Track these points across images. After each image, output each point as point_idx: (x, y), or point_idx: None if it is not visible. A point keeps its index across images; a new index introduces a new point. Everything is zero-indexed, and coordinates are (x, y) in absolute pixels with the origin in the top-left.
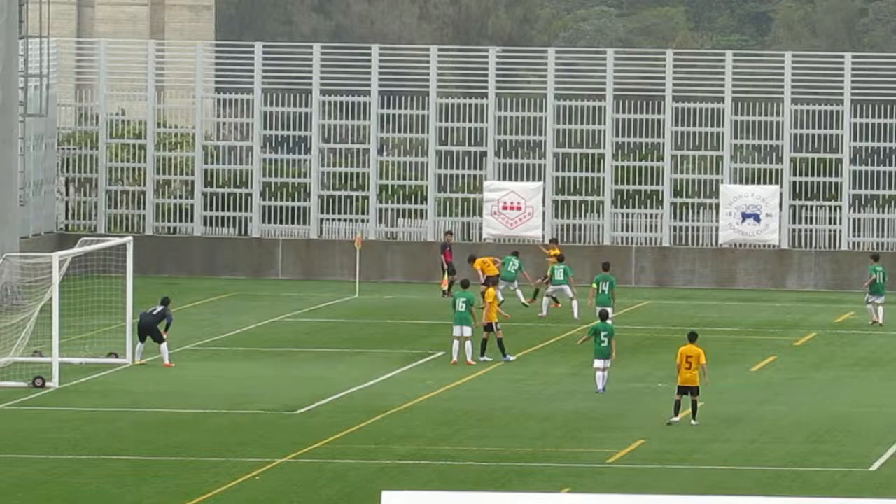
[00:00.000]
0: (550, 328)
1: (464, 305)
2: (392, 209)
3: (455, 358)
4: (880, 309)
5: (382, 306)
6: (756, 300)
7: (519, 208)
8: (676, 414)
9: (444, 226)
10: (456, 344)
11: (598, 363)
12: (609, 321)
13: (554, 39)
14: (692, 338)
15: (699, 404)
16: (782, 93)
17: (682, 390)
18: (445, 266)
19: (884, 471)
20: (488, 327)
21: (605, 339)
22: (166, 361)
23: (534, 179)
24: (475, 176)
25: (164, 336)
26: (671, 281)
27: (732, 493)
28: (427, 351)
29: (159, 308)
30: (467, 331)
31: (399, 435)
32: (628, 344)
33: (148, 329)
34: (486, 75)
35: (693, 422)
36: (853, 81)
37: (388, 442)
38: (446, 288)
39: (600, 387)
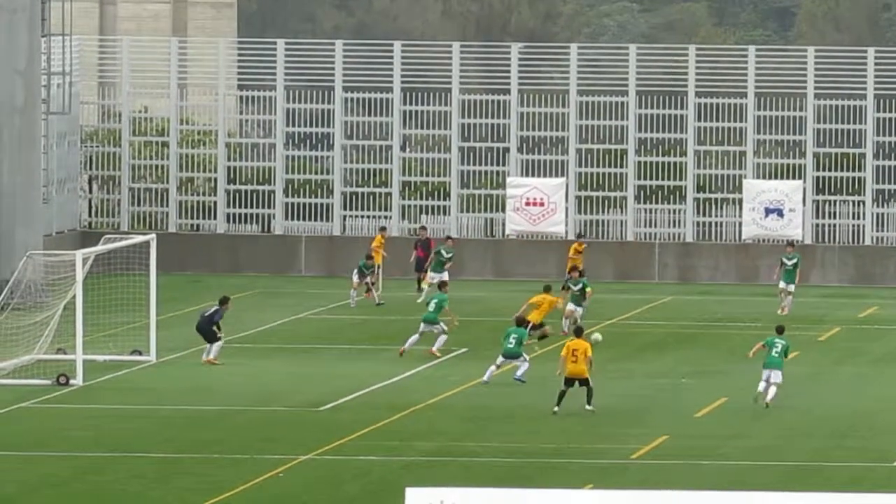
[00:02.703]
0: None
1: (514, 341)
2: (415, 206)
3: (486, 378)
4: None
5: (406, 303)
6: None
7: (542, 204)
8: (559, 404)
9: (466, 222)
10: (494, 368)
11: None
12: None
13: (576, 35)
14: (578, 332)
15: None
16: (805, 88)
17: (569, 381)
18: (424, 262)
19: None
20: (535, 327)
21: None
22: (210, 356)
23: (557, 175)
24: (498, 172)
25: (219, 335)
26: (694, 276)
27: (756, 488)
28: (450, 347)
29: (212, 309)
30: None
31: (423, 431)
32: (651, 340)
33: (199, 330)
34: (509, 71)
35: (588, 406)
36: (876, 76)
37: (411, 438)
38: (427, 286)
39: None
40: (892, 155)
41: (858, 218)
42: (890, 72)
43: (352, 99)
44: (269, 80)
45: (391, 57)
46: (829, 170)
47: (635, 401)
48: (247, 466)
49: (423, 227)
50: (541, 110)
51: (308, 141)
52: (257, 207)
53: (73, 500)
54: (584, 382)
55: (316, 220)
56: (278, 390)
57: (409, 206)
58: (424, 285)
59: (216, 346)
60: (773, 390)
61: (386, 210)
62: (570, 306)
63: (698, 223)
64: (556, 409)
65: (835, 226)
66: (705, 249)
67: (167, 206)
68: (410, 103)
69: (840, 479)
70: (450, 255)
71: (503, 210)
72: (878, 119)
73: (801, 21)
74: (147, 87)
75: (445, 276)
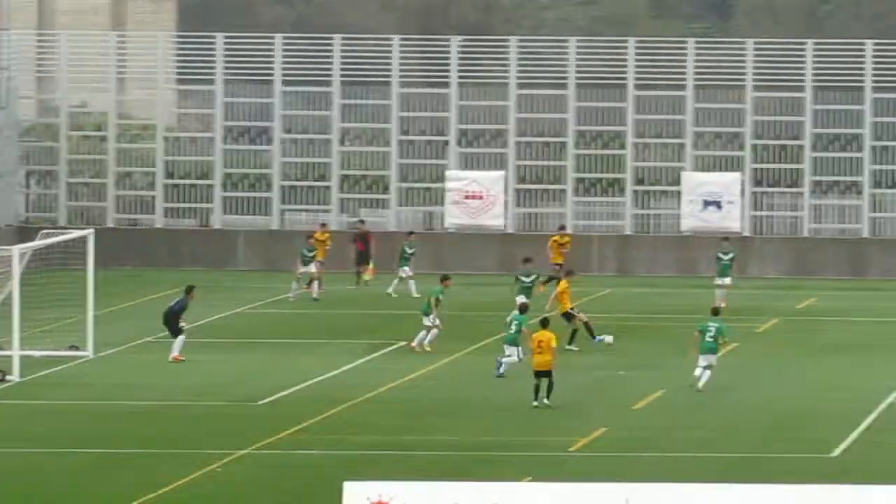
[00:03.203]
0: None
1: (514, 328)
2: (354, 199)
3: (501, 371)
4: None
5: (344, 296)
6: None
7: (481, 198)
8: (537, 398)
9: (406, 216)
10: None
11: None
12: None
13: (516, 28)
14: (544, 324)
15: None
16: (744, 80)
17: (539, 374)
18: (367, 254)
19: (844, 457)
20: (567, 316)
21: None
22: (174, 354)
23: (496, 169)
24: (437, 166)
25: (182, 326)
26: (633, 269)
27: (695, 480)
28: (389, 341)
29: (177, 299)
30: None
31: (361, 425)
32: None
33: (165, 323)
34: (449, 65)
35: (546, 401)
36: (814, 68)
37: (350, 433)
38: (368, 278)
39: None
40: (830, 147)
41: (796, 210)
42: (828, 64)
43: (291, 93)
44: (208, 74)
45: (330, 50)
46: (768, 162)
47: (574, 393)
48: (185, 461)
49: (362, 221)
50: (480, 103)
51: (247, 135)
52: (196, 202)
53: (10, 496)
54: (548, 375)
55: (255, 214)
56: (216, 385)
57: (349, 199)
58: (366, 277)
59: (178, 342)
60: (706, 374)
61: (325, 204)
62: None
63: (637, 216)
64: (535, 403)
65: (773, 218)
66: (644, 242)
67: (105, 200)
68: (350, 97)
69: (779, 470)
70: (412, 250)
71: (442, 203)
72: (816, 111)
73: (739, 14)
74: (85, 81)
75: (407, 269)
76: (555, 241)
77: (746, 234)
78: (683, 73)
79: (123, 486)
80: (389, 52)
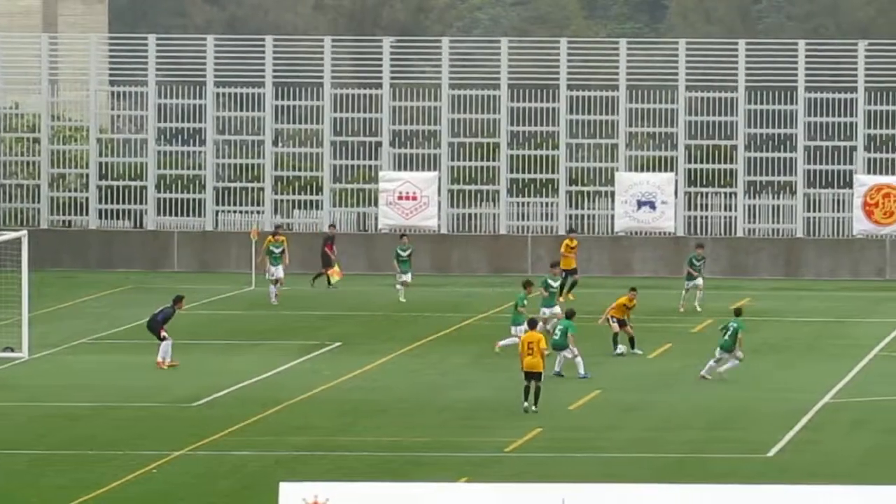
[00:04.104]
0: (448, 317)
1: (559, 333)
2: (287, 200)
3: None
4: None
5: (280, 297)
6: (652, 287)
7: (414, 198)
8: (527, 399)
9: (339, 217)
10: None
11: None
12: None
13: (448, 29)
14: (532, 325)
15: (540, 390)
16: (677, 80)
17: (528, 376)
18: (333, 258)
19: (781, 457)
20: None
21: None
22: (158, 359)
23: (429, 169)
24: (370, 166)
25: (163, 335)
26: None
27: (631, 480)
28: (323, 342)
29: (162, 307)
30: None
31: (296, 426)
32: None
33: (149, 328)
34: (381, 65)
35: (533, 408)
36: (747, 68)
37: (285, 434)
38: (337, 279)
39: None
40: (764, 147)
41: (730, 210)
42: (761, 64)
43: (223, 94)
44: (141, 75)
45: (262, 52)
46: (701, 162)
47: (509, 393)
48: (120, 463)
49: (333, 225)
50: (413, 104)
51: (180, 136)
52: (129, 203)
53: None
54: (537, 378)
55: (188, 215)
56: (151, 386)
57: (282, 200)
58: (334, 278)
59: (162, 347)
60: (731, 363)
61: (258, 205)
62: (545, 310)
63: (571, 216)
64: (525, 405)
65: (707, 218)
66: (578, 242)
67: (39, 202)
68: (282, 98)
69: (716, 470)
70: (407, 251)
71: (376, 204)
72: (750, 111)
73: (672, 14)
74: (18, 83)
75: (408, 276)
76: (566, 244)
77: (680, 234)
78: (616, 74)
79: (59, 488)
80: (321, 53)
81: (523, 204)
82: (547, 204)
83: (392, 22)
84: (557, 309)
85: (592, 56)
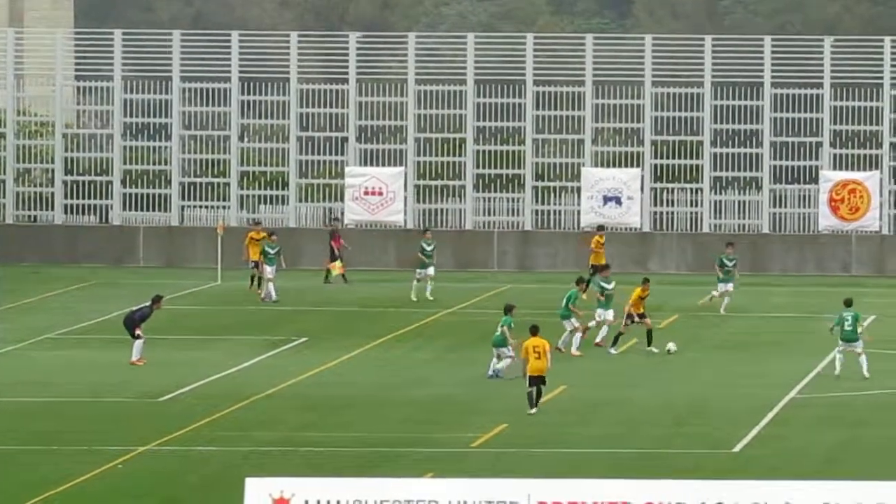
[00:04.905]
0: (415, 313)
1: (498, 329)
2: (254, 195)
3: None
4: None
5: (245, 293)
6: (618, 283)
7: (380, 193)
8: (532, 405)
9: (305, 212)
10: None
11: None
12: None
13: (415, 24)
14: (534, 331)
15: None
16: (643, 76)
17: (534, 380)
18: (338, 252)
19: (746, 452)
20: (630, 317)
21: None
22: (133, 358)
23: (395, 164)
24: (336, 162)
25: (138, 333)
26: (533, 265)
27: (597, 476)
28: (289, 337)
29: (141, 306)
30: (503, 351)
31: (263, 421)
32: (491, 328)
33: (126, 326)
34: (347, 61)
35: (532, 410)
36: (713, 64)
37: (251, 429)
38: (339, 273)
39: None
40: (730, 142)
41: (696, 205)
42: (727, 60)
43: (190, 89)
44: (107, 70)
45: (229, 47)
46: (667, 157)
47: (475, 389)
48: (86, 458)
49: (336, 218)
50: (379, 99)
51: (146, 131)
52: (95, 198)
53: None
54: (543, 381)
55: (154, 210)
56: (117, 381)
57: (248, 195)
58: (335, 272)
59: (136, 346)
60: (863, 359)
61: (224, 200)
62: (601, 312)
63: (537, 211)
64: (531, 411)
65: (673, 213)
66: (544, 237)
67: (4, 197)
68: (248, 93)
69: (682, 466)
70: (431, 247)
71: (342, 199)
72: (716, 107)
73: (639, 9)
74: None
75: (431, 270)
76: (597, 241)
77: (646, 229)
78: (582, 69)
79: (24, 484)
80: (288, 48)
81: (489, 199)
82: (513, 199)
83: (358, 17)
84: (611, 314)
85: (559, 52)
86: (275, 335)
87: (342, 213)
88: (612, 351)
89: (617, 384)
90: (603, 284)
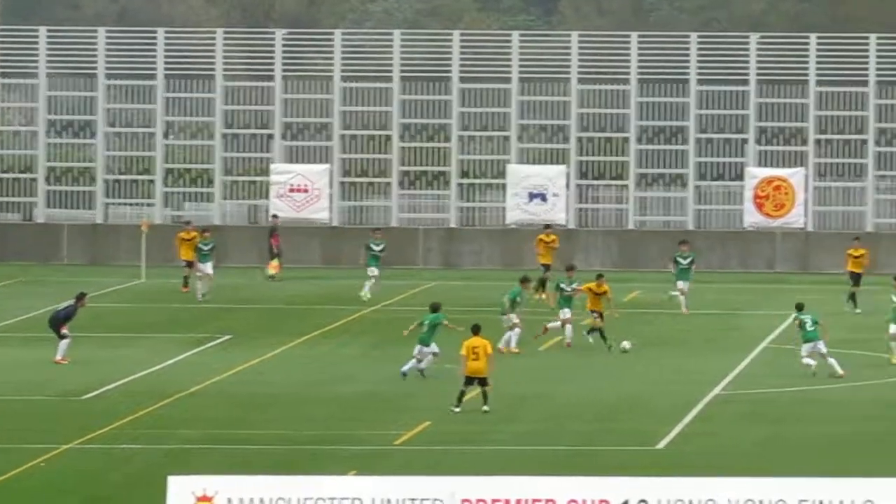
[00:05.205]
0: (341, 310)
1: (425, 327)
2: (178, 193)
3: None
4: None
5: (169, 290)
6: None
7: (306, 191)
8: (460, 403)
9: (230, 209)
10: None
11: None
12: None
13: (341, 21)
14: (476, 330)
15: (489, 392)
16: (569, 73)
17: (470, 380)
18: (276, 250)
19: (670, 448)
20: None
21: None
22: (58, 357)
23: (321, 162)
24: (262, 159)
25: (64, 332)
26: (459, 262)
27: (521, 473)
28: (213, 335)
29: (65, 304)
30: (424, 350)
31: (186, 419)
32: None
33: (51, 325)
34: (273, 58)
35: (484, 407)
36: (639, 61)
37: (174, 426)
38: (273, 273)
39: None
40: (655, 139)
41: (621, 202)
42: (652, 57)
43: (115, 86)
44: (31, 67)
45: (154, 44)
46: (593, 154)
47: (400, 386)
48: (7, 457)
49: (276, 216)
50: (305, 97)
51: (70, 128)
52: (19, 196)
53: None
54: (483, 382)
55: (78, 208)
56: (40, 379)
57: (173, 193)
58: (271, 271)
59: (62, 345)
60: (832, 361)
61: (149, 198)
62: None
63: (462, 208)
64: (455, 408)
65: (598, 210)
66: (469, 235)
67: None
68: (174, 90)
69: (609, 463)
70: (380, 246)
71: (267, 197)
72: (641, 103)
73: (564, 6)
74: None
75: (376, 270)
76: (541, 239)
77: (571, 226)
78: (508, 66)
79: None
80: (213, 45)
81: (415, 196)
82: (438, 196)
83: (284, 14)
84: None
85: (485, 49)
86: (199, 332)
87: (266, 211)
88: (591, 340)
89: (543, 380)
90: (562, 285)
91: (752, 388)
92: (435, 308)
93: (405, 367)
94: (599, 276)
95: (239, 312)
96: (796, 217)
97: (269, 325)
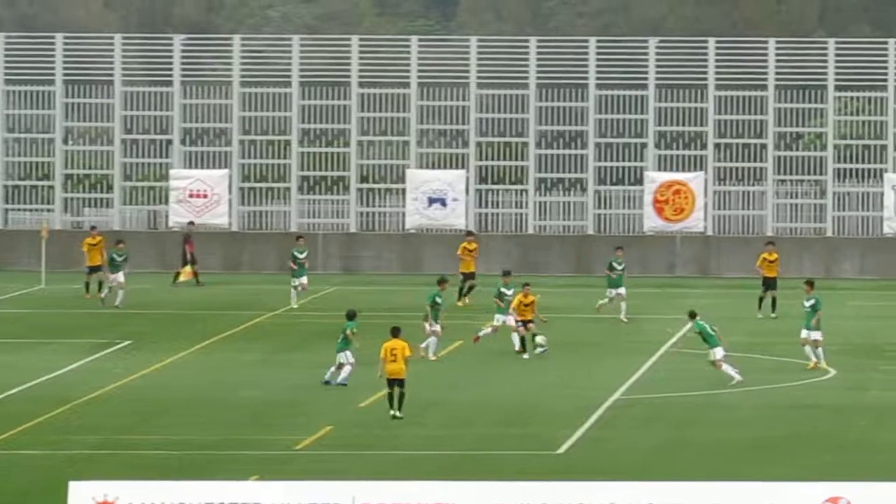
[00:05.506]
0: (240, 315)
1: (341, 336)
2: (78, 199)
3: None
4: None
5: (69, 296)
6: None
7: (205, 196)
8: (392, 407)
9: (130, 215)
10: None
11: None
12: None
13: (239, 27)
14: (395, 332)
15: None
16: (468, 78)
17: (392, 382)
18: (189, 257)
19: (570, 453)
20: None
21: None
22: None
23: (220, 167)
24: (161, 164)
25: None
26: (358, 266)
27: (422, 477)
28: (114, 340)
29: None
30: (341, 357)
31: (86, 425)
32: (314, 330)
33: None
34: (172, 63)
35: (398, 414)
36: (538, 66)
37: (75, 432)
38: (191, 279)
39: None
40: (555, 144)
41: (521, 207)
42: (551, 61)
43: (13, 92)
44: None
45: (53, 49)
46: (492, 159)
47: (299, 391)
48: None
49: (192, 222)
50: (204, 102)
51: None
52: None
53: None
54: (401, 384)
55: None
56: None
57: (72, 199)
58: (183, 277)
59: None
60: (819, 352)
61: (49, 203)
62: (499, 317)
63: (362, 213)
64: (392, 412)
65: (498, 215)
66: (369, 240)
67: None
68: (73, 96)
69: (509, 467)
70: (304, 254)
71: (166, 202)
72: (540, 108)
73: (463, 11)
74: None
75: (304, 279)
76: (464, 247)
77: (471, 230)
78: (407, 71)
79: None
80: (112, 50)
81: (314, 202)
82: (338, 202)
83: (183, 19)
84: (511, 319)
85: (384, 53)
86: (100, 338)
87: (166, 216)
88: (526, 356)
89: (444, 385)
90: (503, 290)
91: (652, 393)
92: (350, 315)
93: (327, 377)
94: (525, 285)
95: (139, 318)
96: (696, 221)
97: (170, 330)
